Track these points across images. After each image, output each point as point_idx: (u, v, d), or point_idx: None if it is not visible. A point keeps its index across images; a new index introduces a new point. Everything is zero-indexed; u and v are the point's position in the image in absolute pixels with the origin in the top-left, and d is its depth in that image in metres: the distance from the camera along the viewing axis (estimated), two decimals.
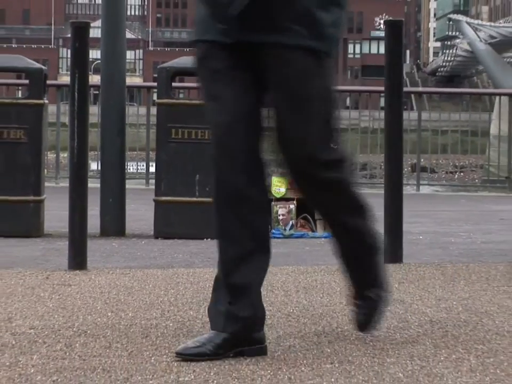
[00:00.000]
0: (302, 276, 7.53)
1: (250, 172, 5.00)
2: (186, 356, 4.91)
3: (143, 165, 18.78)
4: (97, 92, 11.63)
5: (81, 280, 7.38)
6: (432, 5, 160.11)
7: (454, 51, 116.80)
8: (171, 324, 5.87)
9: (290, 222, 10.71)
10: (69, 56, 9.70)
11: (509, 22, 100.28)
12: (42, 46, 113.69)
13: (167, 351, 5.25)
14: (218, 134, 5.13)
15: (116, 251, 9.46)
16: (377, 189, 16.05)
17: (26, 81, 11.24)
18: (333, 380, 4.68)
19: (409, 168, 20.63)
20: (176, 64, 11.52)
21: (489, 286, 7.10)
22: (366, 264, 5.43)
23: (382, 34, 9.27)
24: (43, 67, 11.26)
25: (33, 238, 10.29)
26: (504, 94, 25.29)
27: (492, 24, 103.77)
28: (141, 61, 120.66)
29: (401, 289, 6.97)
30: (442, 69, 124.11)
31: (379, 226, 8.46)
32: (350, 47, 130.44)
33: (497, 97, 27.77)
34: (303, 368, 4.90)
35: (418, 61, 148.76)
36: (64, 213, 8.43)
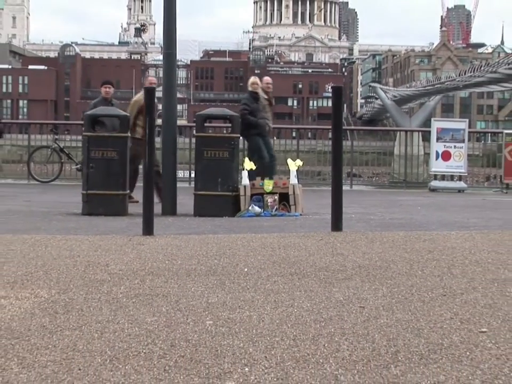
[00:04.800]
0: (282, 239, 7.51)
1: None
2: None
3: (187, 172, 18.80)
4: (159, 129, 11.62)
5: (150, 242, 7.36)
6: (359, 78, 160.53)
7: (372, 105, 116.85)
8: (203, 268, 5.85)
9: (275, 207, 10.69)
10: None
11: (407, 88, 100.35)
12: (128, 102, 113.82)
13: (201, 283, 5.23)
14: None
15: (171, 224, 9.44)
16: (327, 187, 16.06)
17: (118, 122, 11.22)
18: (300, 301, 4.67)
19: (346, 174, 20.60)
20: (207, 112, 11.56)
21: (394, 245, 7.08)
22: None
23: (330, 94, 9.30)
24: (128, 114, 11.26)
25: (121, 216, 10.28)
26: (402, 130, 25.47)
27: (395, 88, 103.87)
28: (186, 111, 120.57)
29: (342, 247, 6.95)
30: (365, 115, 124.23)
31: (329, 209, 8.46)
32: (311, 102, 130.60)
33: (398, 132, 27.81)
34: (283, 295, 4.88)
35: (352, 111, 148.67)
36: (140, 201, 8.42)
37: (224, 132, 12.03)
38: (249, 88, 14.66)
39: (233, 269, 5.81)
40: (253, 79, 14.91)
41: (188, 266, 5.90)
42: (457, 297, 4.80)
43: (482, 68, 77.35)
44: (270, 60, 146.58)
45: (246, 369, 3.33)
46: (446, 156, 17.55)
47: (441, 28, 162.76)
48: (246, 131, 14.30)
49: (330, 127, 8.75)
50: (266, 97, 14.78)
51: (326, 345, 3.70)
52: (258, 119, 14.22)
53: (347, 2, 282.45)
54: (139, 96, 12.98)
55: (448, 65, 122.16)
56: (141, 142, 12.41)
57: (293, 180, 10.86)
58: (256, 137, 14.28)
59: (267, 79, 15.45)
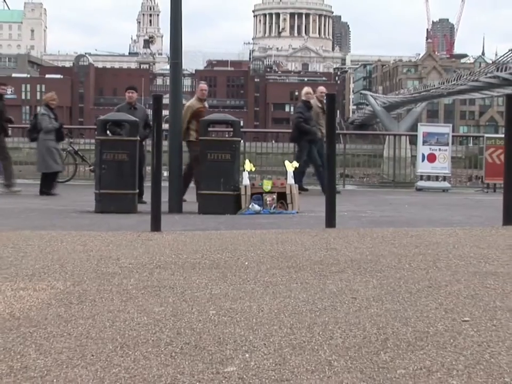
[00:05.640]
0: (280, 235, 7.50)
1: None
2: None
3: None
4: (166, 133, 11.59)
5: (157, 237, 7.35)
6: (351, 86, 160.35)
7: (363, 111, 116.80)
8: (207, 261, 5.85)
9: (274, 205, 10.68)
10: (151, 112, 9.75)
11: (395, 95, 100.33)
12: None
13: (205, 276, 5.23)
14: None
15: (177, 221, 9.44)
16: None
17: (128, 127, 11.18)
18: (297, 292, 4.66)
19: (339, 175, 20.59)
20: (210, 118, 11.55)
21: (383, 241, 7.07)
22: None
23: (325, 101, 9.31)
24: (137, 119, 11.23)
25: (131, 214, 10.28)
26: (390, 134, 25.51)
27: (384, 96, 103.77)
28: None
29: (335, 242, 6.94)
30: (356, 120, 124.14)
31: (323, 207, 8.45)
32: None
33: (387, 136, 27.83)
34: (280, 286, 4.87)
35: (344, 117, 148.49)
36: (148, 199, 8.41)
37: (226, 136, 12.00)
38: (303, 98, 14.70)
39: (235, 262, 5.80)
40: (306, 89, 15.01)
41: (192, 260, 5.89)
42: (441, 289, 4.79)
43: (465, 77, 77.41)
44: (268, 69, 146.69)
45: (247, 355, 3.32)
46: (432, 158, 17.55)
47: (426, 40, 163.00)
48: (299, 137, 14.44)
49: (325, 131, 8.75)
50: (320, 105, 14.88)
51: (320, 333, 3.69)
52: (312, 127, 14.35)
53: (340, 16, 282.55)
54: (191, 101, 12.71)
55: (433, 74, 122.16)
56: (196, 144, 12.30)
57: (290, 180, 10.86)
58: (306, 143, 14.42)
59: (322, 89, 15.56)
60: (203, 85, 13.15)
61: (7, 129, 14.76)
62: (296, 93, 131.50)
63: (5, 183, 14.38)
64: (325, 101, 15.32)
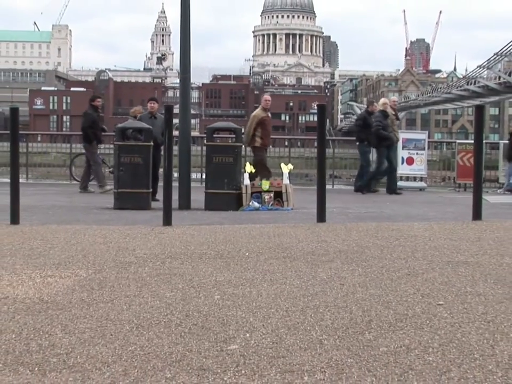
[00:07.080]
0: (277, 229, 7.49)
1: None
2: None
3: (199, 174, 18.73)
4: (177, 139, 11.57)
5: (169, 231, 7.34)
6: (339, 97, 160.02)
7: (350, 119, 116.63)
8: (212, 253, 5.83)
9: (271, 202, 10.67)
10: None
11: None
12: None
13: (211, 265, 5.22)
14: None
15: (186, 216, 9.42)
16: (313, 186, 16.01)
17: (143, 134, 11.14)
18: (292, 279, 4.65)
19: (328, 176, 20.50)
20: (215, 126, 11.56)
21: (367, 234, 7.06)
22: None
23: (316, 111, 9.25)
24: (150, 127, 11.20)
25: (146, 210, 10.25)
26: None
27: None
28: (198, 124, 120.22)
29: (325, 235, 6.92)
30: (344, 128, 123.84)
31: (315, 205, 8.43)
32: (300, 117, 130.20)
33: None
34: (277, 274, 4.87)
35: (333, 125, 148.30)
36: (161, 197, 8.39)
37: (230, 141, 11.96)
38: (381, 108, 14.69)
39: (237, 253, 5.79)
40: (383, 100, 15.16)
41: (199, 251, 5.88)
42: (419, 276, 4.79)
43: (439, 90, 77.36)
44: (266, 83, 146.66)
45: (247, 335, 3.32)
46: (410, 161, 17.56)
47: (405, 57, 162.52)
48: (379, 143, 14.49)
49: (316, 137, 8.73)
50: (394, 113, 14.95)
51: (312, 315, 3.69)
52: (389, 133, 14.38)
53: (329, 36, 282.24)
54: (257, 111, 12.54)
55: (411, 87, 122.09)
56: (261, 149, 12.09)
57: (286, 180, 10.85)
58: (385, 150, 14.46)
59: (394, 98, 15.63)
60: (267, 96, 12.88)
61: (100, 137, 14.58)
62: (291, 104, 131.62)
63: (98, 184, 14.37)
64: (397, 109, 15.54)
